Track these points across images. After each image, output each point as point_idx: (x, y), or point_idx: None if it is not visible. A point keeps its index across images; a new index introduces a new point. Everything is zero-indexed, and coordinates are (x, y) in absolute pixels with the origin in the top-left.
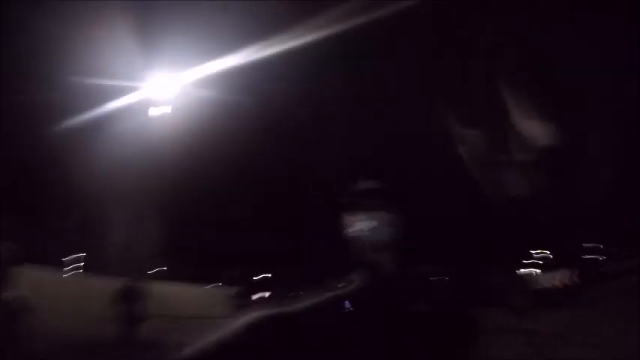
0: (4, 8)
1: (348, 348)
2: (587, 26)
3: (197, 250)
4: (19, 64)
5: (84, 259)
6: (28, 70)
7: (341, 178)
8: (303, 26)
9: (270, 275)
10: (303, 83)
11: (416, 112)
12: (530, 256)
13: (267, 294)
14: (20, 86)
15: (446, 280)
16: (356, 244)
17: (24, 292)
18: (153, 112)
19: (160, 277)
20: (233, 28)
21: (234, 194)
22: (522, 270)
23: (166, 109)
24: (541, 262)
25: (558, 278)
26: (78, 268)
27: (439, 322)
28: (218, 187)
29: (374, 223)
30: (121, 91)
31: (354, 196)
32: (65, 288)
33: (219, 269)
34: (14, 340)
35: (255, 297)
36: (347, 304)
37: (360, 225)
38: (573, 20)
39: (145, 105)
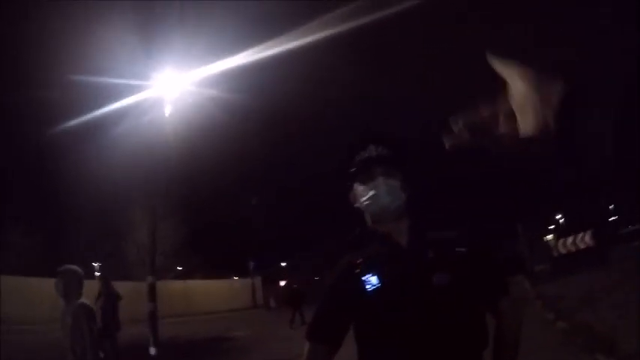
0: (11, 7)
1: (377, 324)
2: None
3: (212, 246)
4: (25, 63)
5: (101, 266)
6: (34, 69)
7: (351, 148)
8: (308, 26)
9: (285, 264)
10: (309, 83)
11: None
12: (549, 222)
13: (289, 280)
14: (26, 85)
15: (467, 246)
16: (368, 214)
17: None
18: (159, 111)
19: (180, 275)
20: (238, 28)
21: (242, 189)
22: (542, 236)
23: (172, 109)
24: (560, 228)
25: (577, 242)
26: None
27: (465, 292)
28: (226, 184)
29: (379, 191)
30: (127, 91)
31: (363, 163)
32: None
33: (240, 262)
34: (86, 345)
35: (282, 283)
36: (369, 279)
37: (366, 194)
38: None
39: (151, 104)
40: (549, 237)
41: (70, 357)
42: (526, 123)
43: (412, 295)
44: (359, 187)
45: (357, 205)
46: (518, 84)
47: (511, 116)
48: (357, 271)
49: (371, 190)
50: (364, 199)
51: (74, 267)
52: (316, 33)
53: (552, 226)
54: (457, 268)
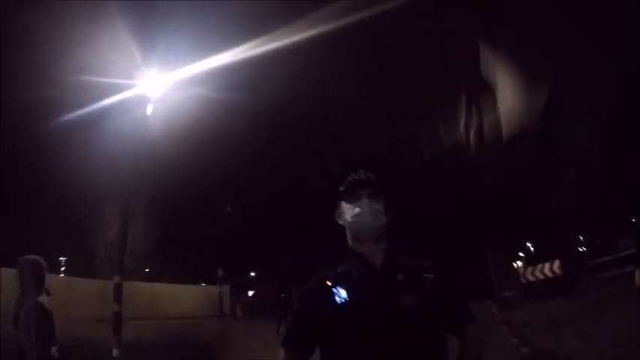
0: None
1: (342, 337)
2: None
3: (187, 250)
4: (7, 62)
5: (67, 261)
6: (16, 67)
7: (340, 170)
8: (298, 24)
9: (256, 273)
10: (299, 82)
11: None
12: (518, 249)
13: (257, 291)
14: (12, 84)
15: (434, 273)
16: (348, 233)
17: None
18: (146, 109)
19: (147, 278)
20: (227, 25)
21: (225, 193)
22: (511, 263)
23: (154, 108)
24: (529, 256)
25: (545, 270)
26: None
27: (428, 315)
28: (209, 185)
29: (363, 210)
30: (114, 89)
31: (351, 184)
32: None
33: (209, 268)
34: (36, 344)
35: (250, 293)
36: (339, 292)
37: (351, 212)
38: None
39: (137, 102)
40: (518, 264)
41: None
42: (511, 125)
43: (378, 312)
44: (345, 206)
45: (341, 222)
46: (506, 88)
47: (495, 125)
48: (329, 284)
49: (356, 209)
50: (349, 217)
51: (36, 257)
52: (303, 32)
53: (521, 254)
54: (423, 292)
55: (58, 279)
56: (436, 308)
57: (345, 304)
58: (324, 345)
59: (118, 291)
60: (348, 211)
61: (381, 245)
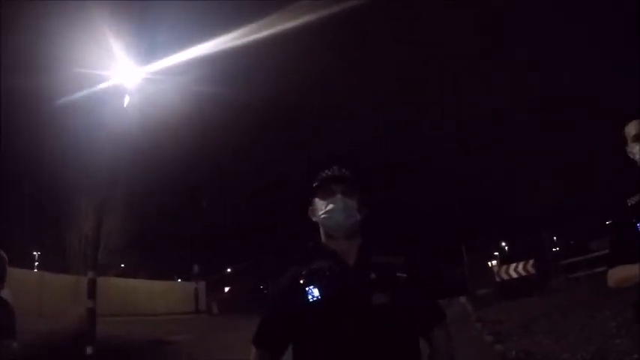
0: None
1: (314, 335)
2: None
3: (158, 247)
4: None
5: (40, 256)
6: None
7: (316, 166)
8: (281, 14)
9: (232, 270)
10: (283, 73)
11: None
12: (493, 248)
13: (234, 287)
14: None
15: (407, 272)
16: (322, 230)
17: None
18: (121, 101)
19: (125, 273)
20: (208, 16)
21: (205, 187)
22: (486, 261)
23: (131, 99)
24: (504, 255)
25: (519, 269)
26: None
27: (401, 314)
28: (186, 181)
29: (336, 207)
30: (91, 80)
31: (325, 181)
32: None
33: (185, 265)
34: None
35: (226, 290)
36: (312, 290)
37: (324, 209)
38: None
39: (114, 94)
40: (493, 262)
41: None
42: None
43: (350, 310)
44: (318, 202)
45: (314, 218)
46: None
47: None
48: (301, 282)
49: (329, 205)
50: (322, 213)
51: None
52: (286, 22)
53: (496, 253)
54: (395, 291)
55: (32, 274)
56: (408, 307)
57: (317, 301)
58: (296, 342)
59: (92, 287)
60: (321, 208)
61: (355, 242)
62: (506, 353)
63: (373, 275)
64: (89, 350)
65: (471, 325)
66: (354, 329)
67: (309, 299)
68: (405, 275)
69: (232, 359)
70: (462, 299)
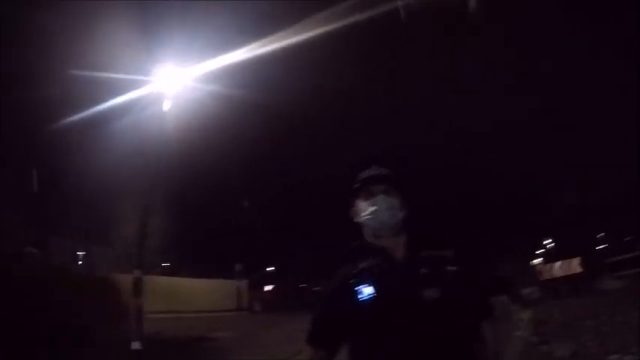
0: (10, 4)
1: (368, 333)
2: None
3: (200, 246)
4: (25, 61)
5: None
6: (34, 66)
7: (354, 168)
8: (312, 20)
9: (274, 268)
10: (313, 78)
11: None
12: (539, 246)
13: (276, 285)
14: (25, 82)
15: (458, 265)
16: (366, 229)
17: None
18: (160, 106)
19: (165, 272)
20: (240, 23)
21: (243, 188)
22: (530, 260)
23: (172, 104)
24: (548, 253)
25: (564, 268)
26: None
27: (451, 308)
28: (225, 182)
29: (379, 207)
30: (128, 86)
31: (365, 181)
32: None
33: (227, 263)
34: None
35: (267, 288)
36: (363, 289)
37: (367, 209)
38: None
39: (151, 99)
40: (537, 261)
41: None
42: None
43: (403, 307)
44: (361, 203)
45: (357, 219)
46: None
47: None
48: (352, 281)
49: (372, 206)
50: (365, 214)
51: (34, 250)
52: (318, 27)
53: (541, 251)
54: (447, 285)
55: (77, 273)
56: (459, 301)
57: (369, 300)
58: (351, 341)
59: (137, 285)
60: (364, 209)
61: (401, 239)
62: (551, 354)
63: (424, 270)
64: (136, 345)
65: (515, 325)
66: (407, 325)
67: (361, 298)
68: (455, 268)
69: (273, 356)
70: (505, 298)
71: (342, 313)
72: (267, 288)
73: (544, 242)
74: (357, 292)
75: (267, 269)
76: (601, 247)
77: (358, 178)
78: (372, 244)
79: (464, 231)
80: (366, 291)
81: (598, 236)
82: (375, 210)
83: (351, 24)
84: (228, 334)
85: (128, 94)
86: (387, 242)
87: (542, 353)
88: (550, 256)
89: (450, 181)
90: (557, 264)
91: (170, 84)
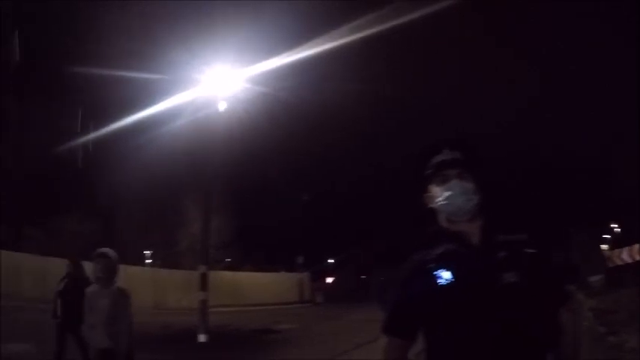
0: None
1: (447, 318)
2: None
3: (262, 240)
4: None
5: (153, 254)
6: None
7: (426, 152)
8: (358, 23)
9: (334, 260)
10: (361, 81)
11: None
12: (604, 231)
13: (336, 277)
14: (90, 85)
15: (536, 248)
16: (440, 215)
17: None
18: (213, 107)
19: (229, 267)
20: (291, 25)
21: (294, 186)
22: (597, 245)
23: (226, 105)
24: (615, 238)
25: (633, 254)
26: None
27: (531, 292)
28: (278, 180)
29: (454, 192)
30: (183, 87)
31: (438, 166)
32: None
33: (285, 257)
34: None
35: (329, 280)
36: (442, 274)
37: (442, 195)
38: None
39: (205, 101)
40: (604, 247)
41: (107, 341)
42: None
43: (483, 291)
44: (434, 189)
45: (431, 205)
46: None
47: None
48: (430, 266)
49: (446, 191)
50: (440, 199)
51: (108, 250)
52: (367, 29)
53: (608, 236)
54: (527, 268)
55: (144, 270)
56: (538, 285)
57: (449, 285)
58: (429, 328)
59: (203, 280)
60: (439, 194)
61: (477, 223)
62: (620, 345)
63: (502, 253)
64: (202, 338)
65: (582, 314)
66: (489, 310)
67: (440, 283)
68: (533, 251)
69: (336, 347)
70: (572, 287)
71: (420, 299)
72: (329, 280)
73: (611, 225)
74: (436, 277)
75: (328, 261)
76: None
77: (430, 164)
78: (446, 230)
79: (537, 215)
80: (445, 275)
81: None
82: (450, 195)
83: (407, 22)
84: (291, 325)
85: (183, 94)
86: (462, 227)
87: (612, 344)
88: (617, 241)
89: (519, 167)
90: (625, 249)
91: (224, 85)
